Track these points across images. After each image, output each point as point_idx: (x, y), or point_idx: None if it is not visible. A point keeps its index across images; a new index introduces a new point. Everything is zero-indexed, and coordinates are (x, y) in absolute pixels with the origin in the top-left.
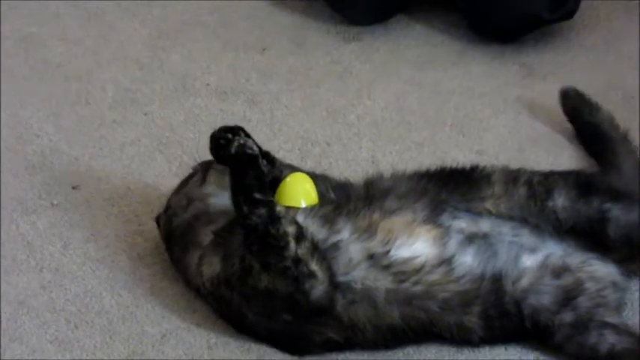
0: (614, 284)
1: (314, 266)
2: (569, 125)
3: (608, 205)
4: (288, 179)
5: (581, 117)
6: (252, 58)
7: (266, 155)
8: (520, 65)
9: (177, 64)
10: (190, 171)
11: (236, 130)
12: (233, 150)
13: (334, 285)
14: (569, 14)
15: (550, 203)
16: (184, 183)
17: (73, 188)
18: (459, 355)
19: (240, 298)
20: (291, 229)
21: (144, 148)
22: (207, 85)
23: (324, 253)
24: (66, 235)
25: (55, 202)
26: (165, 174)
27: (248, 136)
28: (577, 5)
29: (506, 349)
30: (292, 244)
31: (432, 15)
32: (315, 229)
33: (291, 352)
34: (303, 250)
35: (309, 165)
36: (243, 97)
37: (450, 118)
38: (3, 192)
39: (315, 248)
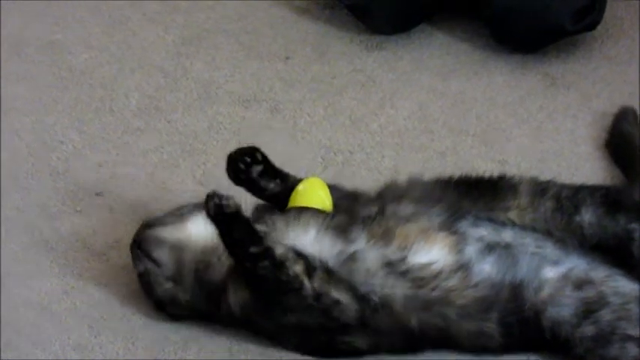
0: (638, 298)
1: (335, 294)
2: (591, 137)
3: (634, 225)
4: (301, 186)
5: (619, 126)
6: (275, 66)
7: (277, 172)
8: (543, 75)
9: (200, 72)
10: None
11: (252, 152)
12: (212, 212)
13: (358, 298)
14: (593, 25)
15: (577, 218)
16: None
17: (97, 195)
18: None
19: (273, 326)
20: (299, 268)
21: (167, 156)
22: (231, 93)
23: (340, 273)
24: (89, 242)
25: (79, 208)
26: (189, 181)
27: (265, 157)
28: (601, 16)
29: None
30: (306, 282)
31: (455, 24)
32: (329, 242)
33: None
34: (318, 283)
35: (331, 174)
36: (265, 105)
37: (473, 127)
38: (27, 197)
39: (330, 273)
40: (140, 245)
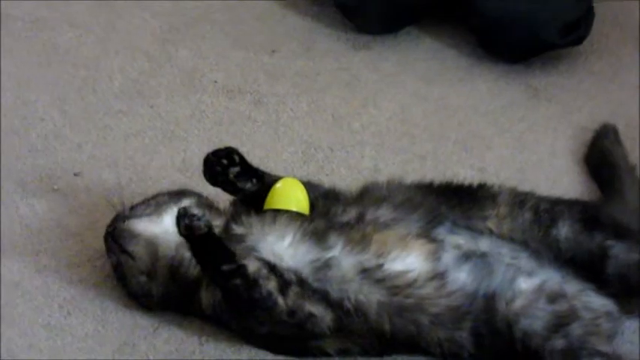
0: (609, 314)
1: (309, 307)
2: (571, 150)
3: (610, 242)
4: (279, 184)
5: (599, 142)
6: (260, 58)
7: (254, 172)
8: (526, 86)
9: (185, 59)
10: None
11: (229, 154)
12: (182, 232)
13: (333, 305)
14: (579, 40)
15: (553, 232)
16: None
17: (75, 175)
18: None
19: (245, 329)
20: (272, 285)
21: (148, 140)
22: (215, 82)
23: (315, 281)
24: (65, 221)
25: (56, 187)
26: (169, 168)
27: (242, 158)
28: (587, 32)
29: None
30: (280, 300)
31: (443, 30)
32: (305, 249)
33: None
34: (292, 299)
35: (311, 169)
36: (249, 97)
37: (454, 133)
38: (4, 174)
39: (305, 285)
40: (114, 237)
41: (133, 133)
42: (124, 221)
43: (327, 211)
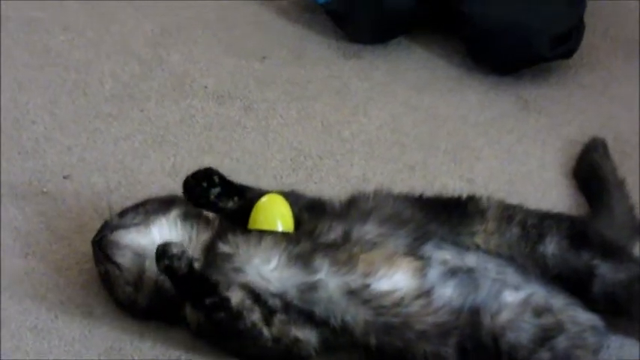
0: (594, 328)
1: (295, 332)
2: (559, 163)
3: (597, 262)
4: (263, 200)
5: (588, 156)
6: (251, 65)
7: (235, 190)
8: (516, 98)
9: (176, 64)
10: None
11: (208, 176)
12: (163, 271)
13: (318, 325)
14: (569, 53)
15: (540, 248)
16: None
17: (64, 177)
18: None
19: (229, 349)
20: (256, 317)
21: (138, 145)
22: (205, 87)
23: (301, 304)
24: (54, 224)
25: (46, 189)
26: (158, 173)
27: (222, 178)
28: (577, 45)
29: None
30: (265, 330)
31: (433, 40)
32: (291, 272)
33: None
34: (277, 327)
35: (300, 177)
36: (239, 103)
37: (444, 143)
38: None
39: (290, 310)
40: (101, 247)
41: (123, 137)
42: (112, 231)
43: (312, 229)
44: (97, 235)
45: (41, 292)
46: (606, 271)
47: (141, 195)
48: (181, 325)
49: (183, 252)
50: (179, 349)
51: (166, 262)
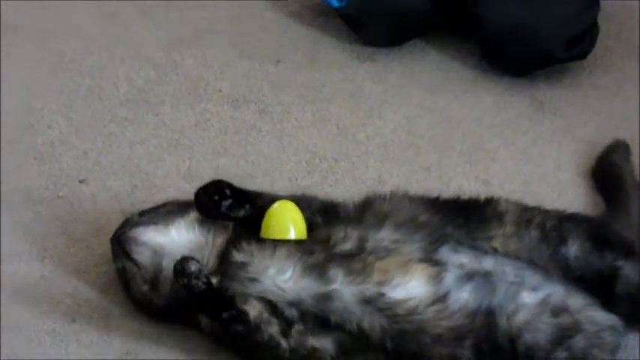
0: (612, 328)
1: (312, 341)
2: (575, 164)
3: (620, 263)
4: (274, 207)
5: (609, 157)
6: (266, 68)
7: (246, 199)
8: (531, 99)
9: (191, 68)
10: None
11: (219, 189)
12: (180, 286)
13: (333, 330)
14: (583, 54)
15: (562, 250)
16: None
17: (80, 182)
18: None
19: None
20: (274, 329)
21: (153, 149)
22: (220, 91)
23: (316, 312)
24: (70, 228)
25: (61, 194)
26: (174, 176)
27: (232, 189)
28: (592, 46)
29: None
30: (282, 342)
31: (448, 42)
32: (306, 283)
33: None
34: (295, 339)
35: (315, 179)
36: (254, 107)
37: (459, 145)
38: (10, 180)
39: (305, 319)
40: (121, 243)
41: (139, 141)
42: (132, 228)
43: (327, 238)
44: (116, 232)
45: (58, 295)
46: (630, 272)
47: (157, 198)
48: (197, 328)
49: (201, 270)
50: (197, 352)
51: (185, 280)
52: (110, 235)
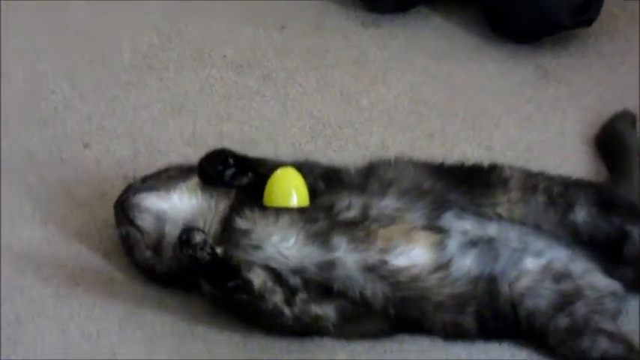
0: (613, 293)
1: (315, 309)
2: (578, 131)
3: (629, 227)
4: (277, 174)
5: (615, 124)
6: (270, 34)
7: (249, 166)
8: (535, 66)
9: (195, 34)
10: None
11: (223, 159)
12: (186, 257)
13: (336, 296)
14: (589, 22)
15: (571, 216)
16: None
17: (84, 146)
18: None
19: (246, 320)
20: (278, 298)
21: (157, 113)
22: (224, 57)
23: (319, 279)
24: (73, 192)
25: (65, 157)
26: (177, 141)
27: (235, 157)
28: (597, 14)
29: (500, 344)
30: (286, 310)
31: (452, 9)
32: (309, 251)
33: None
34: (298, 307)
35: (319, 145)
36: (258, 72)
37: (462, 111)
38: (14, 144)
39: (308, 286)
40: (124, 209)
41: (142, 106)
42: (135, 194)
43: (330, 205)
44: (120, 197)
45: (61, 259)
46: (638, 235)
47: (160, 163)
48: (199, 293)
49: (205, 241)
50: (199, 315)
51: (190, 251)
52: (113, 200)
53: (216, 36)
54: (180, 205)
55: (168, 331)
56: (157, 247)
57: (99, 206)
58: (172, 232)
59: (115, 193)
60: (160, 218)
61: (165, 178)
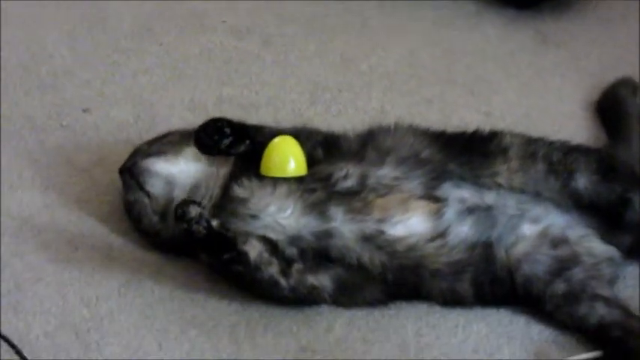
0: (610, 259)
1: (312, 280)
2: (577, 96)
3: (630, 194)
4: (275, 142)
5: (616, 90)
6: (269, 1)
7: (246, 134)
8: (535, 32)
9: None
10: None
11: (219, 128)
12: (182, 230)
13: (333, 262)
14: None
15: (572, 184)
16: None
17: (84, 111)
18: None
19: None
20: (274, 269)
21: (156, 78)
22: (224, 22)
23: (316, 248)
24: (73, 157)
25: (65, 123)
26: (177, 106)
27: (232, 126)
28: None
29: (497, 310)
30: (282, 281)
31: None
32: (306, 220)
33: None
34: (295, 278)
35: (318, 110)
36: (258, 38)
37: (461, 77)
38: (14, 109)
39: (305, 256)
40: (133, 174)
41: (141, 71)
42: (143, 158)
43: (328, 175)
44: (127, 162)
45: (61, 224)
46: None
47: (160, 128)
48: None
49: (201, 214)
50: (199, 282)
51: (185, 225)
52: (113, 165)
53: (215, 1)
54: (187, 169)
55: (168, 296)
56: (164, 212)
57: (99, 172)
58: (180, 196)
59: (115, 159)
60: (169, 183)
61: (170, 142)
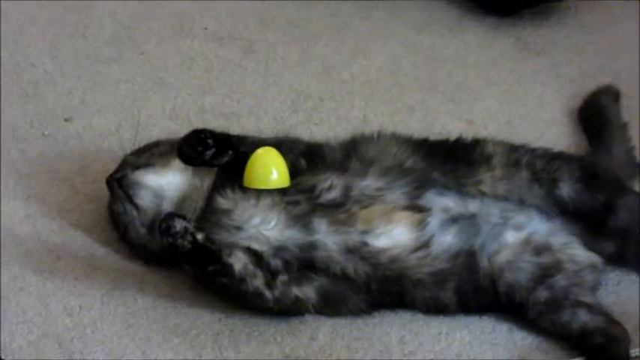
0: (592, 266)
1: (296, 291)
2: (558, 103)
3: (613, 201)
4: (258, 153)
5: (597, 97)
6: (251, 5)
7: (229, 145)
8: (516, 39)
9: (176, 5)
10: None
11: (201, 140)
12: (167, 246)
13: (317, 273)
14: None
15: (556, 192)
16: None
17: (65, 120)
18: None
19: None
20: (259, 282)
21: (138, 87)
22: (205, 29)
23: (300, 260)
24: (55, 166)
25: (47, 132)
26: (159, 115)
27: (215, 137)
28: None
29: (481, 317)
30: (267, 293)
31: None
32: (290, 233)
33: None
34: (279, 290)
35: (300, 118)
36: (239, 45)
37: (443, 84)
38: None
39: (289, 268)
40: (122, 185)
41: (123, 80)
42: (133, 170)
43: (312, 187)
44: (116, 172)
45: (43, 234)
46: (622, 209)
47: (142, 137)
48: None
49: (186, 228)
50: (181, 290)
51: (170, 239)
52: (95, 174)
53: (197, 7)
54: (174, 181)
55: (151, 305)
56: (152, 225)
57: (80, 181)
58: (167, 209)
59: (97, 168)
60: (158, 195)
61: (158, 153)
